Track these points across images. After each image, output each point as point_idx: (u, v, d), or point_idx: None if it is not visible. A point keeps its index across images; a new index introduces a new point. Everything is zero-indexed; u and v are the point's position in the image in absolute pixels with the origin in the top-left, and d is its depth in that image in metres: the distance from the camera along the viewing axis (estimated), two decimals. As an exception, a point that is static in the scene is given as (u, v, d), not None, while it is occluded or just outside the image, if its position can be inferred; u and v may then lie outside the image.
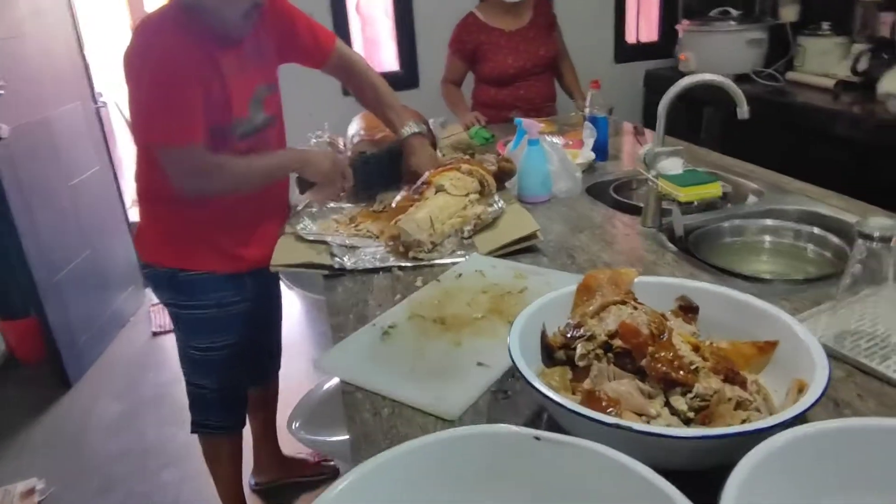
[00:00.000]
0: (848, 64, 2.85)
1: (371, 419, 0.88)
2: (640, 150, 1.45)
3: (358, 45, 3.37)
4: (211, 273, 1.55)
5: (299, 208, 1.63)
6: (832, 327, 0.99)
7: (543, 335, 0.89)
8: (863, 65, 2.72)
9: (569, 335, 0.86)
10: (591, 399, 0.76)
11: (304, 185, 1.76)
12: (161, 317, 3.35)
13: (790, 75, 3.09)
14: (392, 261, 1.34)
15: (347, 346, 1.05)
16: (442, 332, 1.06)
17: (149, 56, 1.36)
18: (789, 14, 3.18)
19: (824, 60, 3.00)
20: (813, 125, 2.66)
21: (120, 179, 3.46)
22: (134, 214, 4.16)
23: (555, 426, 0.82)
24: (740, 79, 3.17)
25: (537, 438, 0.66)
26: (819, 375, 0.74)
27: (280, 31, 1.58)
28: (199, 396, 1.70)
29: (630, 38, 3.78)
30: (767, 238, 1.45)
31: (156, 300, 3.64)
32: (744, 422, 0.72)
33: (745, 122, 1.39)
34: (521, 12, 2.60)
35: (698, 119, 3.44)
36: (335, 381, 1.56)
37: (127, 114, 3.01)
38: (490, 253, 1.35)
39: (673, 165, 1.39)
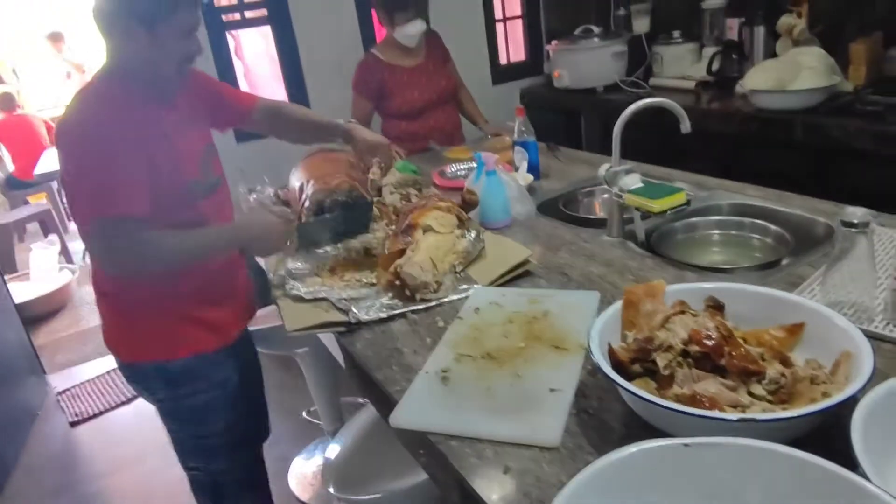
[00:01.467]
0: (701, 66, 3.24)
1: (479, 463, 0.92)
2: (600, 169, 1.59)
3: (242, 86, 3.29)
4: (202, 353, 1.47)
5: (277, 271, 1.59)
6: (822, 298, 1.16)
7: (612, 353, 0.97)
8: (716, 66, 3.11)
9: (642, 348, 0.95)
10: (693, 402, 0.85)
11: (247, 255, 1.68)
12: (76, 404, 3.05)
13: (653, 81, 3.44)
14: (402, 306, 1.37)
15: (413, 397, 1.07)
16: (496, 366, 1.11)
17: (84, 124, 1.31)
18: (642, 26, 3.55)
19: (680, 65, 3.38)
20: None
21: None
22: (18, 293, 3.76)
23: (646, 433, 0.91)
24: (609, 89, 3.49)
25: (686, 445, 0.74)
26: (861, 342, 0.88)
27: (208, 91, 1.63)
28: (218, 484, 1.59)
29: (502, 59, 4.01)
30: (716, 231, 1.64)
31: (62, 387, 3.33)
32: (824, 394, 0.85)
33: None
34: (416, 50, 2.72)
35: (577, 126, 3.73)
36: (355, 432, 1.54)
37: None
38: (491, 283, 1.42)
39: (632, 181, 1.53)
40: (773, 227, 1.58)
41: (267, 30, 3.28)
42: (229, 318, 1.54)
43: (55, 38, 6.91)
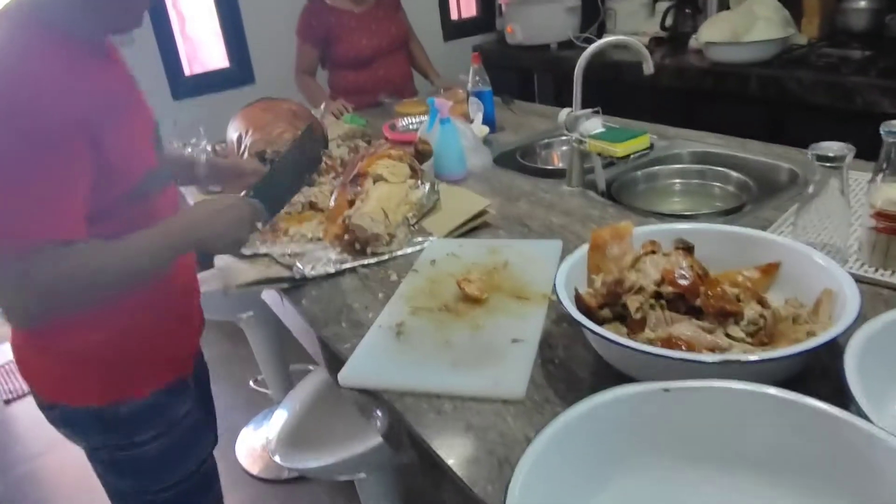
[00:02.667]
0: (655, 21, 3.18)
1: (438, 419, 0.84)
2: (560, 114, 1.51)
3: (179, 43, 3.08)
4: (156, 391, 1.11)
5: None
6: (794, 238, 1.11)
7: (579, 299, 0.90)
8: (670, 20, 3.05)
9: (611, 292, 0.88)
10: (669, 346, 0.79)
11: (204, 258, 1.24)
12: (10, 381, 2.86)
13: (606, 37, 3.36)
14: (351, 260, 1.27)
15: (364, 353, 0.97)
16: (455, 318, 1.03)
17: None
18: (595, -21, 3.46)
19: (633, 20, 3.31)
20: (641, 80, 2.93)
21: None
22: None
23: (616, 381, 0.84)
24: (563, 45, 3.40)
25: (666, 391, 0.67)
26: (843, 278, 0.83)
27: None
28: None
29: (453, 15, 3.87)
30: (677, 180, 1.59)
31: (-5, 362, 3.11)
32: (809, 333, 0.79)
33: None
34: None
35: (530, 84, 3.65)
36: (302, 398, 1.44)
37: None
38: (448, 235, 1.33)
39: (593, 126, 1.46)
40: (734, 174, 1.54)
41: (203, -22, 3.06)
42: (188, 340, 1.21)
43: None
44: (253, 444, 2.25)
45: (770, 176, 1.53)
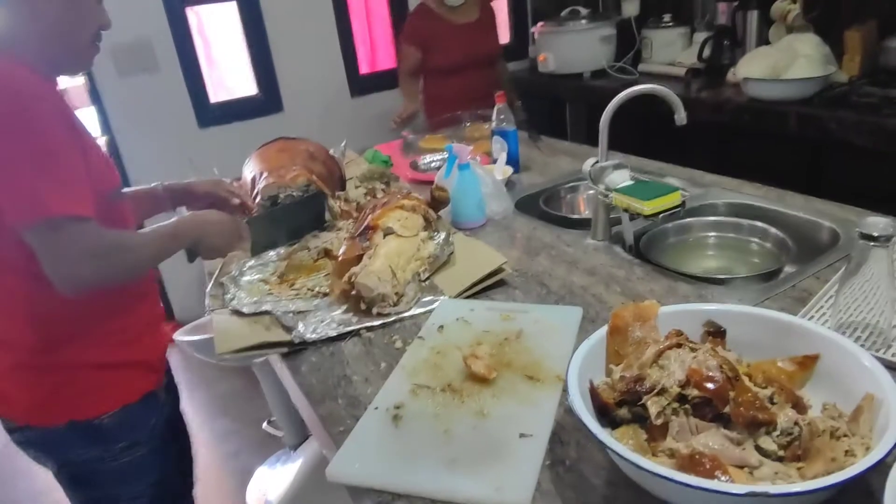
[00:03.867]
0: (692, 52, 3.07)
1: (431, 531, 0.75)
2: (584, 164, 1.42)
3: (204, 68, 3.08)
4: (132, 402, 1.20)
5: (216, 276, 1.41)
6: (832, 319, 1.01)
7: (594, 394, 0.81)
8: (707, 52, 2.94)
9: (630, 390, 0.79)
10: (693, 464, 0.69)
11: (192, 255, 1.34)
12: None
13: (641, 67, 3.27)
14: (356, 322, 1.19)
15: (357, 442, 0.90)
16: (458, 402, 0.94)
17: (7, 103, 0.98)
18: (631, 9, 3.37)
19: (669, 50, 3.21)
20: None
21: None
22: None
23: (633, 493, 0.75)
24: (597, 74, 3.32)
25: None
26: (888, 386, 0.73)
27: None
28: None
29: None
30: (712, 234, 1.49)
31: None
32: (847, 452, 0.69)
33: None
34: (468, 9, 2.78)
35: (562, 113, 3.56)
36: (298, 465, 1.37)
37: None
38: (460, 294, 1.25)
39: (621, 178, 1.37)
40: (773, 230, 1.43)
41: (231, 5, 3.06)
42: (157, 350, 1.28)
43: None
44: (265, 485, 2.18)
45: (810, 234, 1.42)
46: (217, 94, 3.12)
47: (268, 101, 3.18)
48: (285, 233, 1.55)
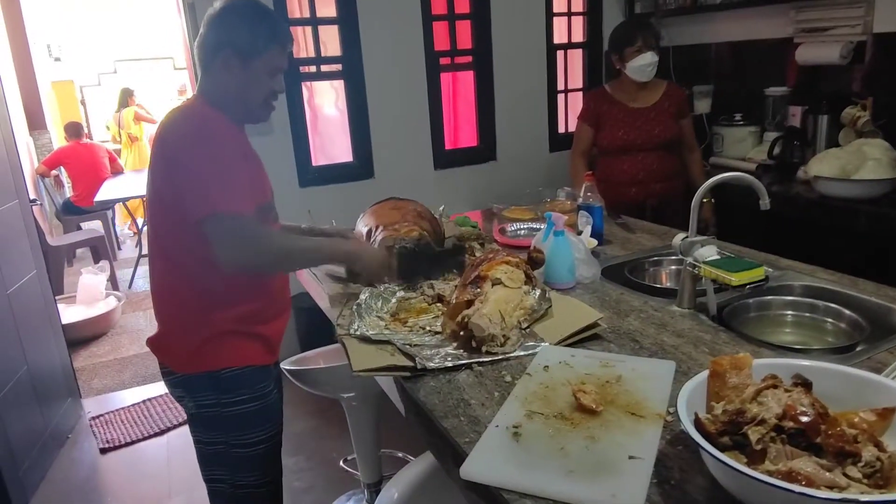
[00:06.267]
0: (762, 149, 3.24)
1: (555, 524, 0.88)
2: (675, 238, 1.58)
3: (311, 137, 3.40)
4: (252, 366, 1.57)
5: (343, 310, 1.60)
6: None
7: (700, 424, 0.94)
8: (778, 150, 3.11)
9: (733, 420, 0.92)
10: (790, 480, 0.81)
11: (351, 275, 1.80)
12: (108, 431, 3.05)
13: (713, 160, 3.45)
14: (467, 357, 1.35)
15: (483, 450, 1.04)
16: (570, 427, 1.08)
17: (201, 133, 1.45)
18: (703, 107, 3.60)
19: (740, 147, 3.39)
20: (748, 204, 2.96)
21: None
22: (64, 315, 3.80)
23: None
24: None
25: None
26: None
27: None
28: (242, 497, 1.63)
29: (561, 129, 4.08)
30: (789, 312, 1.60)
31: (96, 413, 3.34)
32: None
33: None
34: (648, 94, 2.82)
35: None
36: (401, 487, 1.51)
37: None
38: (560, 342, 1.40)
39: (708, 252, 1.52)
40: (846, 311, 1.54)
41: (339, 83, 3.41)
42: (278, 335, 1.66)
43: (127, 93, 7.50)
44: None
45: (882, 317, 1.52)
46: (317, 158, 3.44)
47: (361, 167, 3.48)
48: (425, 270, 1.76)
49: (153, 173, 1.50)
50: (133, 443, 3.09)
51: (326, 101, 3.48)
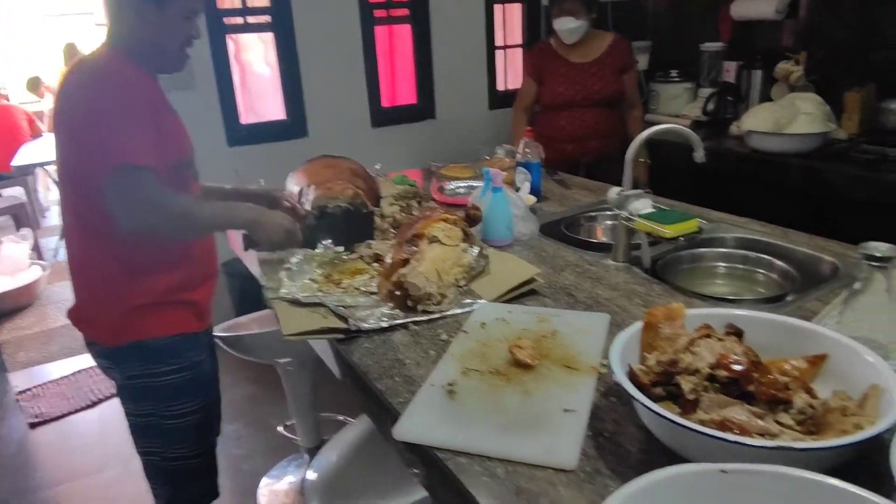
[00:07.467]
0: (696, 105, 3.28)
1: (490, 482, 0.86)
2: (610, 192, 1.56)
3: (238, 94, 3.24)
4: (180, 334, 1.49)
5: (274, 273, 1.53)
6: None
7: (633, 375, 0.93)
8: (711, 106, 3.15)
9: (666, 371, 0.91)
10: (723, 429, 0.81)
11: (250, 243, 1.62)
12: (36, 405, 2.90)
13: (648, 117, 3.46)
14: (403, 317, 1.31)
15: (417, 410, 1.01)
16: (505, 383, 1.06)
17: (106, 82, 1.34)
18: (641, 63, 3.59)
19: (675, 103, 3.42)
20: (680, 160, 3.00)
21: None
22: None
23: (665, 458, 0.86)
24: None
25: (723, 472, 0.69)
26: (890, 376, 0.86)
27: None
28: (176, 470, 1.57)
29: (500, 86, 4.02)
30: (721, 264, 1.63)
31: (23, 387, 3.19)
32: (856, 425, 0.81)
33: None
34: (591, 49, 2.76)
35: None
36: (338, 449, 1.47)
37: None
38: (497, 299, 1.38)
39: (643, 206, 1.51)
40: (778, 262, 1.57)
41: (268, 36, 3.24)
42: (206, 300, 1.58)
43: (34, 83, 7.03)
44: (276, 488, 2.25)
45: (813, 267, 1.56)
46: (247, 116, 3.28)
47: (294, 125, 3.35)
48: (334, 240, 1.67)
49: (59, 133, 1.39)
50: (63, 416, 2.96)
51: (255, 55, 3.31)
